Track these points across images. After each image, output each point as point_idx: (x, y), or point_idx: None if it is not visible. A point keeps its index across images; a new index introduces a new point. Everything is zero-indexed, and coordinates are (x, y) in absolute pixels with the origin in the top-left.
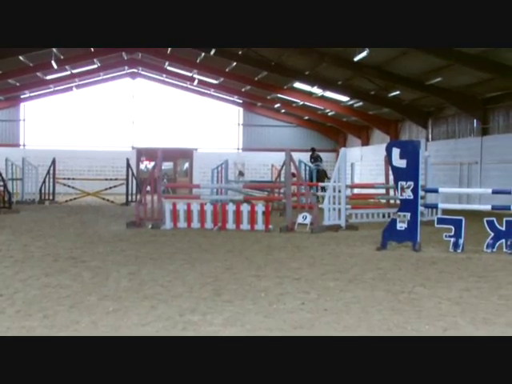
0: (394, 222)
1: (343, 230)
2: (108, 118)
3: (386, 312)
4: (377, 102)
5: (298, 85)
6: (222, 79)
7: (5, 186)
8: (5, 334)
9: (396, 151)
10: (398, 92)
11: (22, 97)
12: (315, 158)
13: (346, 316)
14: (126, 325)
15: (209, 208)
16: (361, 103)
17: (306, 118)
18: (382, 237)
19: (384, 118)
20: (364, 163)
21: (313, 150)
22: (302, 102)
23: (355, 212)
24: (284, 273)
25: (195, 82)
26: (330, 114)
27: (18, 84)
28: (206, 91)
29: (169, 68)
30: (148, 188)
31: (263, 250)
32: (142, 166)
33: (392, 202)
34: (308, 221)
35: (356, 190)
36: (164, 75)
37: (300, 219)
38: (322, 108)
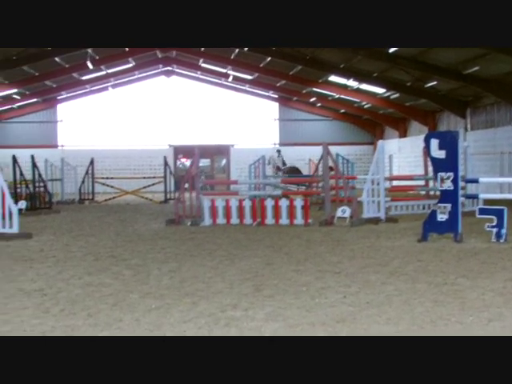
0: (434, 213)
1: (383, 223)
2: (144, 116)
3: (428, 304)
4: (413, 93)
5: (333, 78)
6: (256, 75)
7: (45, 186)
8: (50, 333)
9: (435, 142)
10: (434, 82)
11: (58, 98)
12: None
13: (388, 309)
14: (169, 322)
15: (247, 204)
16: (397, 95)
17: (342, 111)
18: (423, 229)
19: (421, 109)
20: (402, 155)
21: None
22: (337, 96)
23: (394, 204)
24: (324, 267)
25: (230, 78)
26: (366, 106)
27: (54, 85)
28: (240, 87)
29: (203, 65)
30: (186, 185)
31: (303, 244)
32: (179, 164)
33: (432, 193)
34: (347, 214)
35: (395, 182)
36: (198, 72)
37: (339, 213)
38: (358, 101)
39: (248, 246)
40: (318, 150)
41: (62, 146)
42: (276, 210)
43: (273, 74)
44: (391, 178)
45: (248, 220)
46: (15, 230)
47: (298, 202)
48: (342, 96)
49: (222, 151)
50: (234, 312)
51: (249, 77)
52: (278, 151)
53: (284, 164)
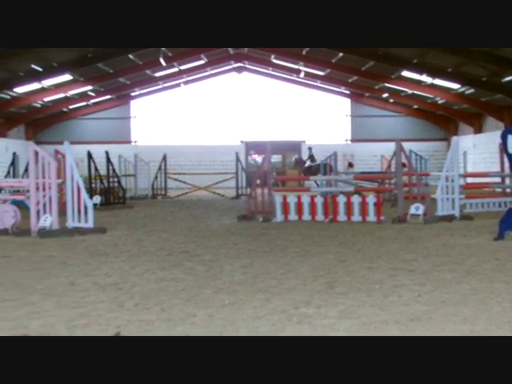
0: (511, 211)
1: (457, 220)
2: (216, 112)
3: (506, 304)
4: (489, 88)
5: (406, 73)
6: (328, 70)
7: (119, 182)
8: (125, 327)
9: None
10: (511, 77)
11: (131, 94)
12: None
13: (464, 308)
14: (242, 318)
15: (319, 200)
16: (472, 90)
17: (416, 107)
18: (499, 227)
19: (497, 105)
20: (477, 151)
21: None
22: (410, 91)
23: (469, 202)
24: (397, 265)
25: (301, 74)
26: (440, 102)
27: (128, 82)
28: (312, 83)
29: (274, 61)
30: (258, 181)
31: (375, 241)
32: (251, 160)
33: (508, 190)
34: (421, 211)
35: (469, 180)
36: (270, 68)
37: (412, 210)
38: (432, 96)
39: (320, 243)
40: (390, 147)
41: (136, 141)
42: (348, 206)
43: (345, 70)
44: (466, 175)
45: (320, 216)
46: (90, 224)
47: (371, 199)
48: (416, 92)
49: (293, 147)
50: (307, 309)
51: (320, 73)
52: (310, 148)
53: (313, 160)
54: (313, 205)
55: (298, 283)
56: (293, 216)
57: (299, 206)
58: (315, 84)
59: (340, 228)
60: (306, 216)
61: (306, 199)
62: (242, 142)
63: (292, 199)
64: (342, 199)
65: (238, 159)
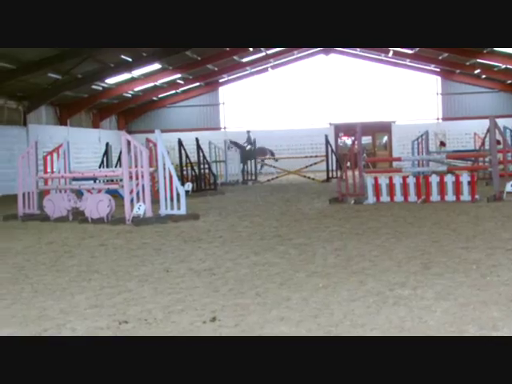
0: None
1: None
2: (304, 96)
3: None
4: None
5: (498, 48)
6: (417, 48)
7: (210, 168)
8: (220, 312)
9: None
10: None
11: (220, 81)
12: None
13: None
14: (337, 300)
15: (411, 181)
16: None
17: (509, 82)
18: None
19: None
20: None
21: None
22: (503, 66)
23: None
24: (495, 244)
25: (390, 54)
26: None
27: (216, 69)
28: (401, 62)
29: None
30: (348, 163)
31: (471, 220)
32: (341, 142)
33: None
34: None
35: None
36: (358, 49)
37: (508, 188)
38: None
39: (413, 224)
40: (483, 124)
41: (225, 127)
42: (441, 186)
43: (435, 47)
44: None
45: (412, 197)
46: (183, 211)
47: (465, 178)
48: (509, 66)
49: (383, 128)
50: (403, 291)
51: (409, 51)
52: (248, 132)
53: (250, 144)
54: (405, 186)
55: (393, 265)
56: (385, 197)
57: (391, 187)
58: (403, 63)
59: (433, 208)
60: (399, 197)
61: (397, 180)
62: (331, 124)
63: (383, 180)
64: (434, 179)
65: (327, 142)
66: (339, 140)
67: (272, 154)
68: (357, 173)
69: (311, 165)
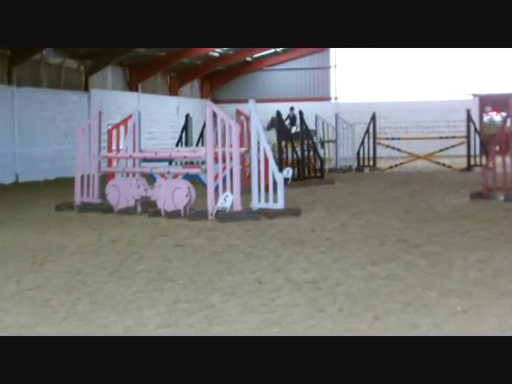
0: None
1: None
2: (438, 57)
3: None
4: None
5: None
6: None
7: (315, 150)
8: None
9: None
10: None
11: None
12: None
13: None
14: (481, 329)
15: None
16: None
17: None
18: None
19: None
20: None
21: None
22: None
23: None
24: None
25: None
26: None
27: None
28: None
29: None
30: (497, 148)
31: None
32: (487, 119)
33: None
34: None
35: None
36: None
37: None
38: None
39: None
40: None
41: (336, 98)
42: None
43: None
44: None
45: None
46: (280, 205)
47: None
48: None
49: None
50: None
51: None
52: (292, 108)
53: (293, 124)
54: None
55: None
56: None
57: None
58: None
59: None
60: None
61: None
62: (474, 95)
63: None
64: None
65: (469, 118)
66: (485, 116)
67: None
68: (508, 160)
69: (447, 148)
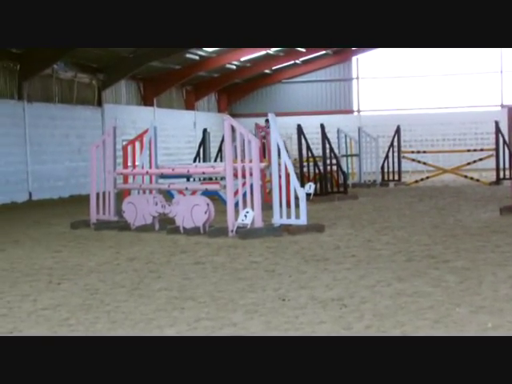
0: None
1: None
2: (465, 67)
3: None
4: None
5: None
6: None
7: (338, 164)
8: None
9: None
10: None
11: (353, 48)
12: None
13: None
14: None
15: None
16: None
17: None
18: None
19: None
20: None
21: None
22: None
23: None
24: None
25: None
26: None
27: None
28: None
29: None
30: None
31: None
32: None
33: None
34: None
35: None
36: None
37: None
38: None
39: None
40: None
41: (359, 110)
42: None
43: None
44: None
45: None
46: (303, 221)
47: None
48: None
49: None
50: None
51: None
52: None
53: None
54: None
55: None
56: None
57: None
58: None
59: None
60: None
61: None
62: (502, 106)
63: None
64: None
65: (498, 130)
66: None
67: None
68: None
69: (475, 161)
